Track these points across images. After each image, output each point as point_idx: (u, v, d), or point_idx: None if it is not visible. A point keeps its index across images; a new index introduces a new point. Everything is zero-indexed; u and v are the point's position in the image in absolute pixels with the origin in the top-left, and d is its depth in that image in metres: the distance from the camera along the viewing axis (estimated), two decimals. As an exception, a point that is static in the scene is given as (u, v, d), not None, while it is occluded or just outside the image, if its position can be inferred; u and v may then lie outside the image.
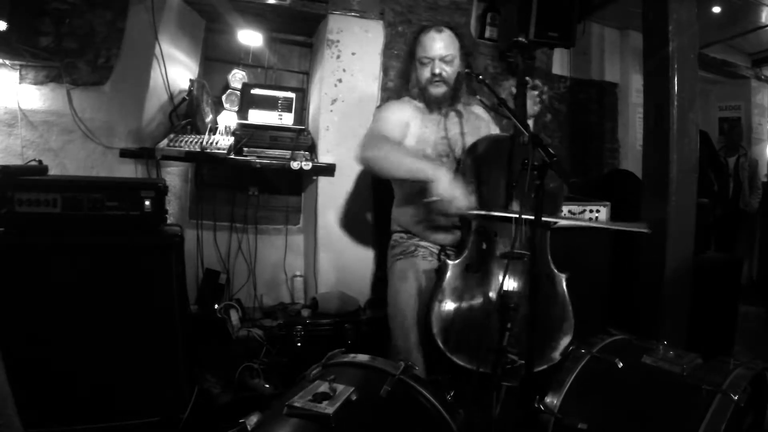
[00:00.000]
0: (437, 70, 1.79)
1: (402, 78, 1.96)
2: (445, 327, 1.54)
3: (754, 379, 1.23)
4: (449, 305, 1.56)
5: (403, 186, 1.89)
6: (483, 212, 1.57)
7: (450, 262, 1.59)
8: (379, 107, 2.01)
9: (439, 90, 1.81)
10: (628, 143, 3.71)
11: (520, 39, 1.80)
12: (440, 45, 1.79)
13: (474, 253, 1.61)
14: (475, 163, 1.65)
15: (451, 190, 1.50)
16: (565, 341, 1.58)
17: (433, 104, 1.84)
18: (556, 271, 1.64)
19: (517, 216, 1.48)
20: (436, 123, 1.85)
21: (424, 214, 1.79)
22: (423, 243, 1.84)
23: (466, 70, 1.79)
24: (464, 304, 1.56)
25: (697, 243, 2.42)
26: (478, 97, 1.80)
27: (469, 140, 1.82)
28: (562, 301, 1.62)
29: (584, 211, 2.35)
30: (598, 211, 2.37)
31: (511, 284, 1.53)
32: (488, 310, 1.50)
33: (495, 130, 1.97)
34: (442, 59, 1.79)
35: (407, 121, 1.83)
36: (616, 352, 1.40)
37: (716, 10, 3.60)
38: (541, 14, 2.78)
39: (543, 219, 1.52)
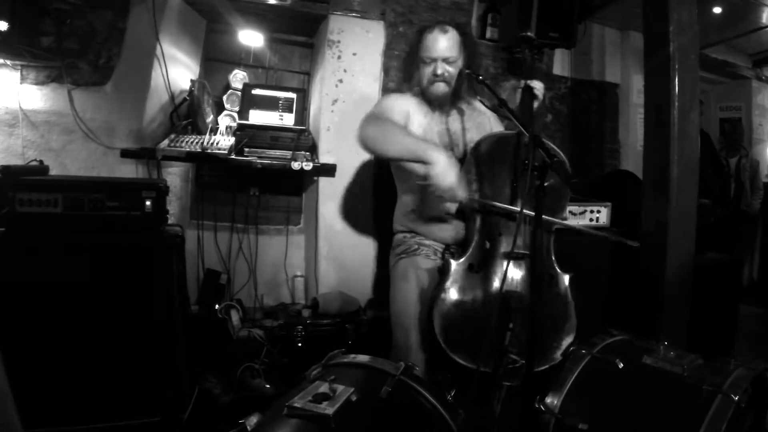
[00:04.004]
0: (439, 71, 1.77)
1: (403, 73, 1.94)
2: (447, 326, 1.54)
3: (754, 380, 1.23)
4: (452, 304, 1.56)
5: (403, 175, 1.87)
6: (480, 200, 1.56)
7: (453, 261, 1.59)
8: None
9: (439, 89, 1.80)
10: (628, 144, 3.71)
11: (528, 34, 1.77)
12: (444, 46, 1.76)
13: (477, 253, 1.61)
14: (479, 161, 1.64)
15: (448, 173, 1.44)
16: (568, 341, 1.58)
17: (434, 103, 1.84)
18: (559, 271, 1.64)
19: (516, 210, 1.47)
20: (438, 117, 1.85)
21: (421, 201, 1.76)
22: (426, 242, 1.83)
23: (467, 71, 1.77)
24: (467, 304, 1.56)
25: (697, 244, 2.41)
26: (478, 98, 1.80)
27: (472, 135, 1.82)
28: (565, 301, 1.62)
29: (585, 211, 2.35)
30: (598, 211, 2.37)
31: (513, 284, 1.53)
32: (490, 310, 1.50)
33: (498, 125, 1.97)
34: (445, 60, 1.77)
35: (408, 110, 1.82)
36: (617, 352, 1.40)
37: (717, 10, 3.59)
38: (542, 15, 2.78)
39: (545, 218, 1.52)
